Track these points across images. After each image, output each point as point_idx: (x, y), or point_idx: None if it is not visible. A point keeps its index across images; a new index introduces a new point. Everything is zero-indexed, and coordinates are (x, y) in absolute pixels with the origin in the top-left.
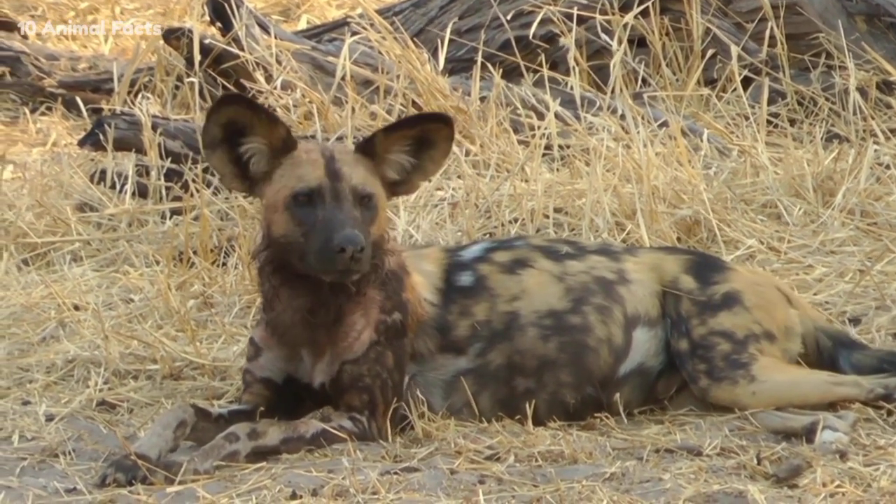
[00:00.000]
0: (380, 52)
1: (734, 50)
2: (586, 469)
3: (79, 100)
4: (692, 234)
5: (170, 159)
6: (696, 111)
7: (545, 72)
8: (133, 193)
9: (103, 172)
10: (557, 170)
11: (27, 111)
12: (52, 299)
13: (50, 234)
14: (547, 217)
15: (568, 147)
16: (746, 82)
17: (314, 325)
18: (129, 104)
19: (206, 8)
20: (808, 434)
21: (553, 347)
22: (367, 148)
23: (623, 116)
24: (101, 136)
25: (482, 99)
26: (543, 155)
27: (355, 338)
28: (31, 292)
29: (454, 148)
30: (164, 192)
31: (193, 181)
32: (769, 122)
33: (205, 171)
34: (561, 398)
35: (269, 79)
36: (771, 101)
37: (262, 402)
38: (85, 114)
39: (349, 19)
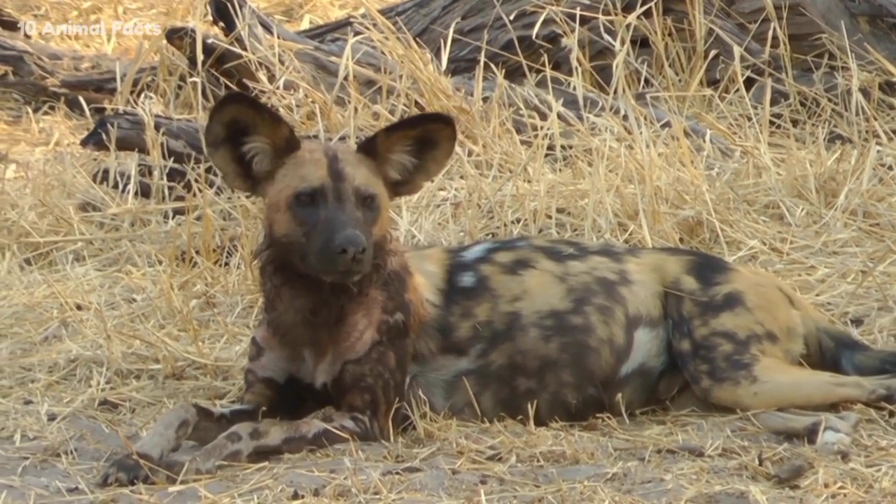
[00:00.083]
0: (382, 52)
1: (737, 50)
2: (588, 469)
3: (81, 99)
4: (694, 234)
5: (172, 159)
6: (698, 112)
7: (548, 72)
8: (136, 193)
9: (106, 172)
10: (560, 170)
11: (30, 110)
12: (54, 299)
13: (52, 234)
14: (549, 217)
15: (570, 147)
16: (749, 83)
17: (316, 324)
18: (131, 104)
19: (208, 8)
20: (810, 435)
21: (554, 348)
22: (369, 148)
23: (626, 117)
24: (104, 136)
25: (485, 99)
26: (546, 155)
27: (357, 338)
28: (34, 292)
29: (456, 148)
30: (166, 191)
31: (196, 181)
32: (772, 122)
33: (207, 170)
34: (562, 398)
35: (271, 79)
36: (773, 102)
37: (264, 401)
38: (88, 113)
39: (352, 19)
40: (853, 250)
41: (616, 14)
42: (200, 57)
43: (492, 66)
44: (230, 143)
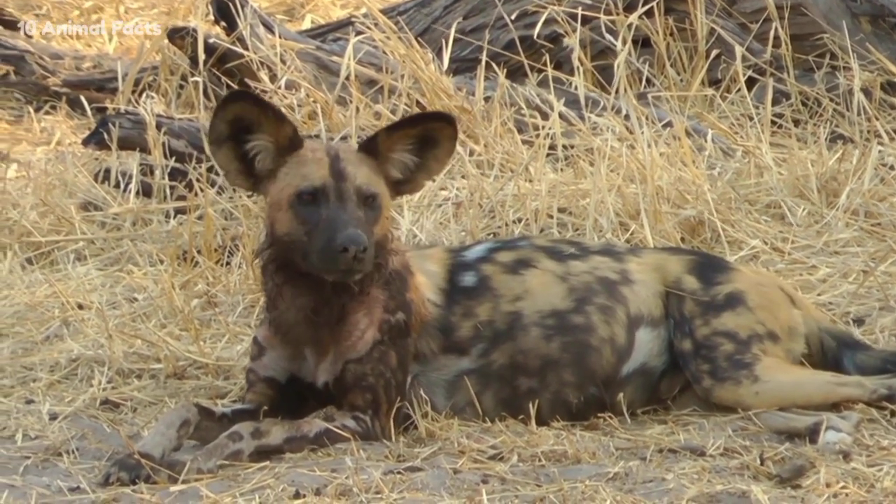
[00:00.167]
0: (384, 52)
1: (738, 50)
2: (589, 469)
3: (83, 99)
4: (696, 234)
5: (174, 158)
6: (700, 111)
7: (549, 72)
8: (137, 192)
9: (107, 171)
10: (561, 170)
11: (31, 110)
12: (55, 298)
13: (54, 233)
14: (551, 217)
15: (572, 147)
16: (750, 83)
17: (317, 324)
18: (133, 103)
19: (210, 7)
20: (812, 434)
21: (556, 347)
22: (371, 147)
23: (627, 116)
24: (106, 136)
25: (486, 99)
26: (547, 155)
27: (359, 337)
28: (35, 291)
29: (458, 147)
30: (168, 191)
31: (198, 180)
32: (773, 122)
33: (209, 170)
34: (564, 398)
35: (273, 78)
36: (775, 102)
37: (265, 401)
38: (89, 113)
39: (353, 19)
40: (855, 250)
41: (617, 14)
42: (202, 56)
43: (493, 65)
44: (233, 140)
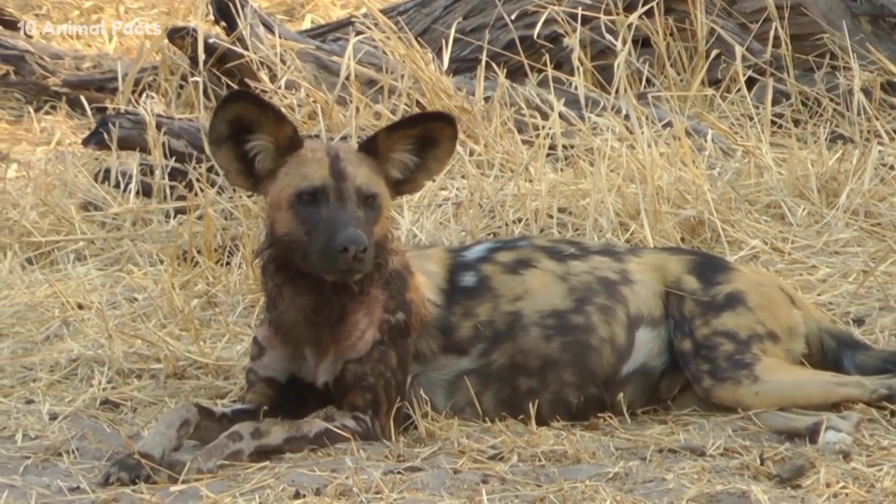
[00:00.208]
0: (384, 52)
1: (738, 50)
2: (589, 469)
3: (83, 99)
4: (696, 234)
5: (174, 158)
6: (700, 111)
7: (549, 72)
8: (137, 192)
9: (107, 171)
10: (561, 170)
11: (31, 110)
12: (55, 298)
13: (54, 233)
14: (551, 217)
15: (572, 147)
16: (750, 83)
17: (317, 324)
18: (133, 103)
19: (210, 7)
20: (812, 434)
21: (556, 347)
22: (370, 147)
23: (627, 116)
24: (106, 136)
25: (486, 99)
26: (547, 155)
27: (359, 337)
28: (35, 291)
29: (458, 147)
30: (168, 191)
31: (198, 180)
32: (773, 122)
33: (209, 170)
34: (564, 398)
35: (273, 78)
36: (775, 102)
37: (265, 401)
38: (89, 113)
39: (353, 19)
40: (855, 250)
41: (617, 14)
42: (202, 56)
43: (493, 65)
44: (233, 140)
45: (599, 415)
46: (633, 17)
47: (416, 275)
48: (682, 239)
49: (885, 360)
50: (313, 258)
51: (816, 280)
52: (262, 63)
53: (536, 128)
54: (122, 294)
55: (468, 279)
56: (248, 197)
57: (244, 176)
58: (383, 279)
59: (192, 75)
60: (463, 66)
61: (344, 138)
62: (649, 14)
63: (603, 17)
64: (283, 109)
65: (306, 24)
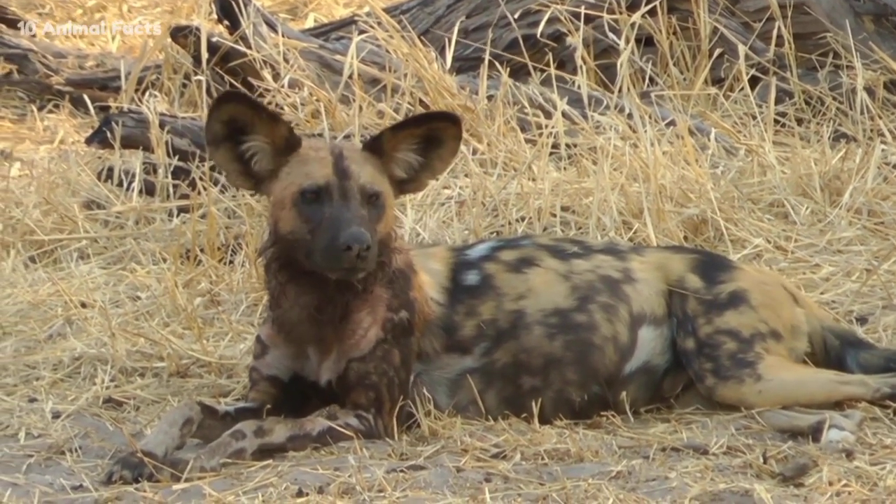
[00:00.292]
0: (387, 51)
1: (741, 49)
2: (592, 467)
3: (86, 97)
4: (699, 233)
5: (177, 157)
6: (703, 110)
7: (552, 71)
8: (140, 191)
9: (110, 170)
10: (564, 168)
11: (35, 109)
12: (58, 297)
13: (57, 232)
14: (554, 216)
15: (575, 146)
16: (754, 81)
17: (321, 322)
18: (136, 102)
19: (213, 6)
20: (815, 433)
21: (559, 346)
22: (375, 146)
23: (630, 115)
24: (109, 134)
25: (489, 97)
26: (551, 154)
27: (362, 335)
28: (38, 290)
29: (461, 146)
30: (171, 189)
31: (201, 179)
32: (776, 121)
33: (212, 168)
34: (567, 396)
35: (276, 77)
36: (778, 101)
37: (268, 399)
38: (92, 111)
39: (356, 18)
40: (858, 249)
41: (621, 13)
42: (205, 55)
43: (496, 64)
44: (230, 141)
45: (602, 413)
46: (636, 16)
47: (419, 273)
48: (685, 238)
49: (888, 359)
50: (317, 256)
51: (819, 279)
52: (265, 62)
53: (539, 126)
54: (125, 292)
55: (471, 278)
56: (251, 195)
57: (244, 176)
58: (387, 278)
59: (195, 74)
60: (466, 64)
61: (347, 137)
62: (652, 13)
63: (606, 15)
64: (286, 108)
65: (309, 23)
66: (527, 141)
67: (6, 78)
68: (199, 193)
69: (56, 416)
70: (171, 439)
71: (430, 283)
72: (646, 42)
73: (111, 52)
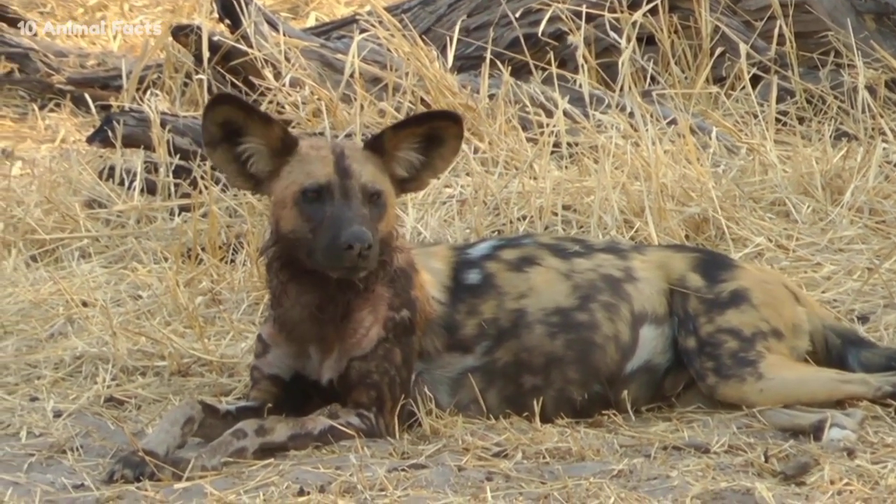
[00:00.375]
0: (388, 50)
1: (743, 48)
2: (594, 466)
3: (87, 96)
4: (700, 231)
5: (178, 156)
6: (704, 109)
7: (554, 69)
8: (142, 190)
9: (112, 169)
10: (566, 167)
11: (36, 108)
12: (60, 296)
13: (58, 231)
14: (555, 214)
15: (576, 144)
16: (755, 80)
17: (322, 321)
18: (137, 101)
19: (214, 5)
20: (816, 432)
21: (560, 345)
22: (376, 145)
23: (632, 114)
24: (110, 133)
25: (491, 96)
26: (552, 152)
27: (363, 334)
28: (40, 289)
29: (463, 145)
30: (172, 188)
31: (202, 178)
32: (778, 120)
33: (213, 167)
34: (568, 395)
35: (277, 76)
36: (780, 100)
37: (269, 398)
38: (94, 110)
39: (358, 16)
40: (859, 247)
41: (622, 11)
42: (206, 54)
43: (498, 63)
44: (227, 142)
45: (604, 412)
46: (638, 15)
47: (420, 272)
48: (687, 236)
49: (889, 358)
50: (318, 255)
51: (821, 277)
52: (266, 61)
53: (541, 125)
54: (126, 291)
55: (472, 277)
56: (252, 195)
57: (243, 177)
58: (388, 277)
59: (197, 73)
60: (467, 63)
61: (348, 136)
62: (654, 11)
63: (607, 14)
64: (287, 107)
65: (310, 22)
66: (528, 140)
67: (7, 77)
68: (201, 192)
69: (57, 414)
70: (172, 438)
71: (431, 281)
72: (647, 41)
73: (112, 51)
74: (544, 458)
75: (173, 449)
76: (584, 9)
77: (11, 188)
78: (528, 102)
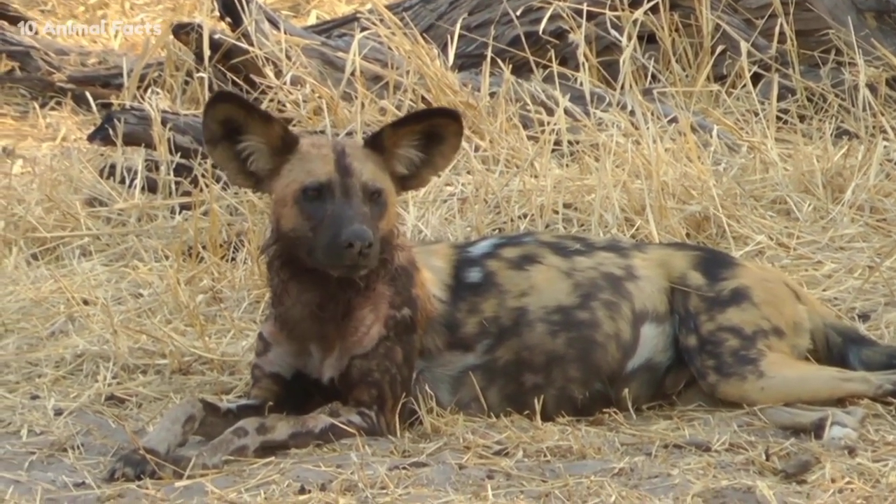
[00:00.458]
0: (389, 48)
1: (744, 46)
2: (595, 464)
3: (88, 95)
4: (701, 229)
5: (179, 154)
6: (705, 107)
7: (555, 67)
8: (142, 188)
9: (113, 167)
10: (567, 165)
11: (37, 106)
12: (61, 294)
13: (59, 229)
14: (556, 213)
15: (577, 143)
16: (756, 78)
17: (323, 319)
18: (138, 99)
19: (215, 3)
20: (817, 430)
21: (561, 343)
22: (376, 143)
23: (632, 112)
24: (111, 131)
25: (492, 94)
26: (553, 150)
27: (364, 333)
28: (41, 287)
29: (463, 143)
30: (173, 186)
31: (203, 176)
32: (779, 118)
33: (214, 166)
34: (569, 393)
35: (278, 74)
36: (780, 98)
37: (270, 396)
38: (94, 109)
39: (359, 15)
40: (860, 245)
41: (623, 9)
42: (207, 52)
43: (499, 61)
44: (228, 140)
45: (604, 410)
46: (639, 13)
47: (421, 271)
48: (688, 234)
49: (890, 356)
50: (319, 254)
51: (822, 275)
52: (267, 59)
53: (542, 123)
54: (127, 290)
55: (473, 275)
56: (253, 193)
57: (244, 175)
58: (389, 275)
59: (198, 71)
60: (468, 61)
61: (349, 134)
62: (654, 10)
63: (608, 12)
64: (288, 105)
65: (311, 20)
66: (529, 138)
67: (8, 75)
68: (202, 190)
69: (58, 413)
70: (173, 436)
71: (432, 280)
72: (648, 39)
73: (113, 49)
74: (545, 456)
75: (174, 447)
76: (585, 7)
77: (12, 186)
78: (528, 100)
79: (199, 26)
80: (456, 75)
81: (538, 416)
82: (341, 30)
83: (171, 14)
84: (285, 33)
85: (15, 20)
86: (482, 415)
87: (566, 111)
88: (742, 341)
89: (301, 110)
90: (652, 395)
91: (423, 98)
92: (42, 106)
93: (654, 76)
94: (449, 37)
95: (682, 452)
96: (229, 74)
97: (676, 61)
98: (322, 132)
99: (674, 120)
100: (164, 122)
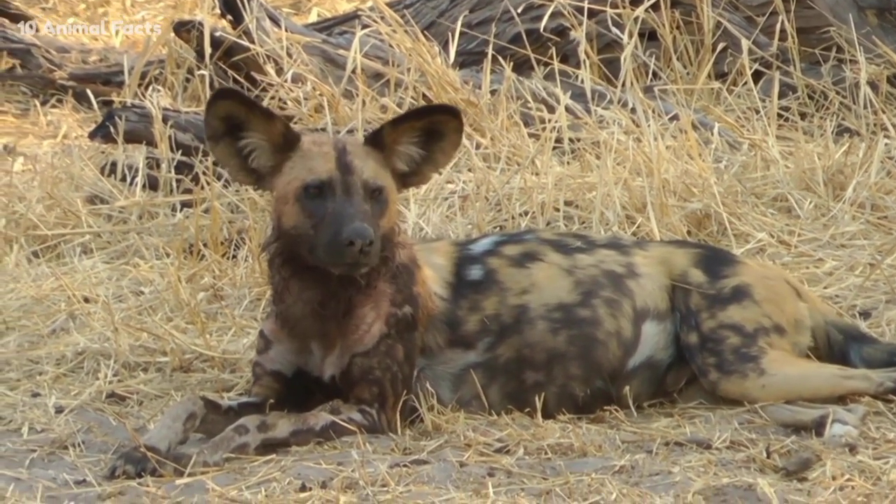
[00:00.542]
0: (390, 45)
1: (745, 43)
2: (596, 462)
3: (89, 92)
4: (702, 227)
5: (180, 152)
6: (706, 105)
7: (556, 65)
8: (143, 186)
9: (114, 165)
10: (568, 163)
11: (38, 103)
12: (62, 291)
13: (60, 227)
14: (557, 210)
15: (578, 140)
16: (757, 76)
17: (324, 317)
18: (139, 97)
19: (216, 0)
20: (818, 427)
21: (562, 340)
22: (376, 140)
23: (633, 110)
24: (112, 129)
25: (493, 92)
26: (554, 148)
27: (365, 330)
28: (42, 284)
29: (464, 141)
30: (174, 184)
31: (204, 174)
32: (780, 115)
33: (215, 163)
34: (570, 391)
35: (279, 71)
36: (781, 95)
37: (271, 394)
38: (95, 106)
39: (360, 12)
40: (861, 243)
41: (624, 7)
42: (208, 50)
43: (500, 59)
44: (230, 137)
45: (605, 408)
46: (640, 11)
47: (422, 268)
48: (689, 232)
49: (891, 354)
50: (320, 252)
51: (823, 273)
52: (268, 56)
53: (543, 121)
54: (128, 287)
55: (475, 273)
56: (255, 190)
57: (245, 171)
58: (390, 273)
59: (199, 69)
60: (469, 59)
61: (350, 132)
62: (655, 7)
63: (609, 10)
64: (290, 103)
65: (312, 18)
66: (530, 135)
67: (9, 73)
68: (203, 188)
69: (59, 410)
70: (174, 434)
71: (433, 277)
72: (649, 36)
73: (114, 46)
74: (546, 453)
75: (175, 445)
76: (585, 4)
77: (13, 184)
78: (529, 98)
79: (200, 24)
80: (457, 73)
81: (539, 414)
82: (342, 27)
83: (172, 12)
84: (286, 31)
85: (16, 18)
86: (483, 412)
87: (567, 109)
88: (743, 339)
89: (302, 108)
90: (653, 392)
91: (424, 95)
92: (43, 103)
93: (655, 74)
94: (450, 34)
95: (683, 450)
96: (230, 72)
97: (677, 59)
98: (323, 130)
99: (675, 117)
100: (165, 120)
